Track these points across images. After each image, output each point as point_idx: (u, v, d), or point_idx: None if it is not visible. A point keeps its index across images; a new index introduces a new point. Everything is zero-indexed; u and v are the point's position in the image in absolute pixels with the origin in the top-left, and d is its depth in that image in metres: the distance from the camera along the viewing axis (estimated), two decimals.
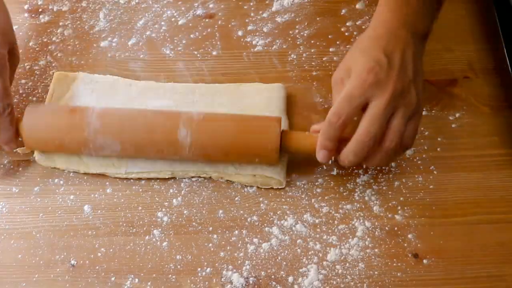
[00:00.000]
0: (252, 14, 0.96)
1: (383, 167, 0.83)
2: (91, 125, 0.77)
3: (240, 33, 0.94)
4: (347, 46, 0.92)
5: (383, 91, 0.72)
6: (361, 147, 0.73)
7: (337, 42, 0.93)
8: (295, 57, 0.92)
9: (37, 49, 0.91)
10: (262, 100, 0.86)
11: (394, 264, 0.77)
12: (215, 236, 0.78)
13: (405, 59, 0.75)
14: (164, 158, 0.80)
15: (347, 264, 0.76)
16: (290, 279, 0.75)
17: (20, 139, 0.80)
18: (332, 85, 0.78)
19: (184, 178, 0.82)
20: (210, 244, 0.78)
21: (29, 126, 0.79)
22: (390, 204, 0.81)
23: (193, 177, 0.82)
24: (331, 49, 0.93)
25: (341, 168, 0.83)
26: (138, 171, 0.81)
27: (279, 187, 0.81)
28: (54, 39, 0.92)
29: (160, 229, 0.78)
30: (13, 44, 0.81)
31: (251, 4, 0.97)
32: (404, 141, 0.74)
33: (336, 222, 0.79)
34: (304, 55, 0.92)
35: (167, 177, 0.81)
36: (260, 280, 0.75)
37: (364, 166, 0.81)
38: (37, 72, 0.89)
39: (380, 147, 0.74)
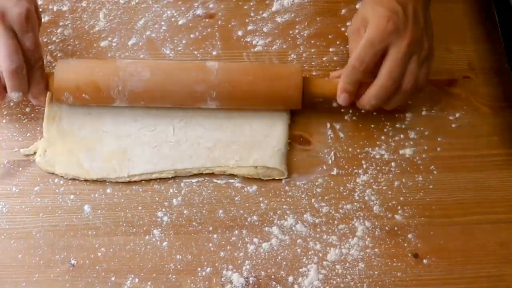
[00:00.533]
0: (252, 14, 0.96)
1: (383, 167, 0.83)
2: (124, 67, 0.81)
3: (240, 33, 0.94)
4: (347, 46, 0.92)
5: (401, 38, 0.78)
6: (384, 91, 0.79)
7: (337, 42, 0.93)
8: (295, 57, 0.92)
9: None
10: None
11: (394, 264, 0.77)
12: (215, 236, 0.78)
13: (416, 9, 0.80)
14: (191, 95, 0.82)
15: (347, 264, 0.76)
16: (290, 279, 0.75)
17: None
18: (348, 35, 0.86)
19: (184, 178, 0.82)
20: (210, 244, 0.78)
21: (61, 76, 0.81)
22: (390, 204, 0.81)
23: (195, 175, 0.82)
24: (331, 49, 0.93)
25: (342, 168, 0.83)
26: (141, 173, 0.81)
27: (281, 178, 0.81)
28: (54, 39, 0.92)
29: (160, 229, 0.78)
30: (35, 3, 0.83)
31: (251, 4, 0.97)
32: (419, 83, 0.80)
33: (336, 222, 0.79)
34: (304, 55, 0.92)
35: (169, 176, 0.81)
36: (260, 280, 0.75)
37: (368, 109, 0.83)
38: None
39: (398, 89, 0.79)
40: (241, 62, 0.89)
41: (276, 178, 0.82)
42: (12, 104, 0.86)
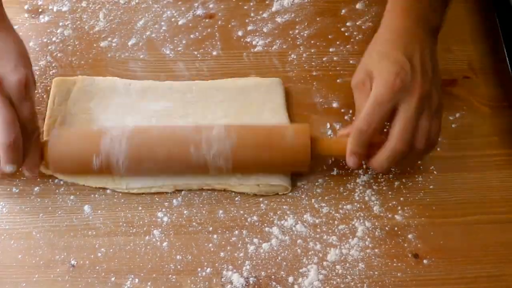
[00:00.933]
0: (252, 14, 0.96)
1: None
2: (121, 155, 0.75)
3: (240, 33, 0.94)
4: (347, 46, 0.92)
5: (410, 94, 0.73)
6: (396, 154, 0.74)
7: (337, 42, 0.93)
8: (295, 57, 0.92)
9: (37, 49, 0.91)
10: (260, 95, 0.86)
11: (394, 264, 0.77)
12: (215, 236, 0.78)
13: (424, 60, 0.76)
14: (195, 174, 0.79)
15: (347, 264, 0.76)
16: (290, 279, 0.75)
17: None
18: (353, 88, 0.79)
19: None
20: (210, 244, 0.78)
21: (55, 151, 0.76)
22: (390, 204, 0.81)
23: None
24: (331, 49, 0.93)
25: (342, 169, 0.83)
26: (140, 186, 0.80)
27: (285, 193, 0.81)
28: (54, 39, 0.92)
29: (160, 229, 0.78)
30: (31, 68, 0.79)
31: (251, 4, 0.97)
32: (431, 139, 0.75)
33: (336, 222, 0.79)
34: (304, 55, 0.92)
35: (169, 191, 0.81)
36: (260, 280, 0.75)
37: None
38: (37, 72, 0.89)
39: (411, 149, 0.74)
40: (243, 126, 0.79)
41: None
42: None
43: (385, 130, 0.76)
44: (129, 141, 0.76)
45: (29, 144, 0.75)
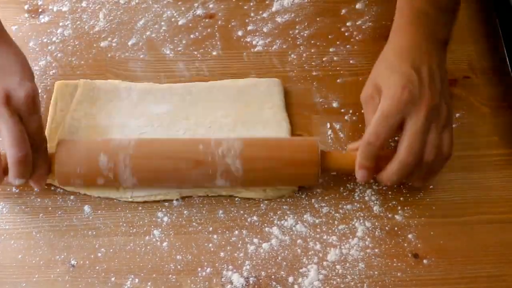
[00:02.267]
0: (252, 14, 0.96)
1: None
2: (126, 170, 0.76)
3: (240, 33, 0.94)
4: (347, 46, 0.92)
5: (418, 107, 0.73)
6: (405, 167, 0.74)
7: (337, 42, 0.93)
8: (295, 57, 0.92)
9: (37, 49, 0.91)
10: (260, 95, 0.86)
11: (394, 264, 0.77)
12: (215, 236, 0.78)
13: (432, 72, 0.76)
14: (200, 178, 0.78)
15: (347, 264, 0.76)
16: (290, 279, 0.75)
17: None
18: (362, 102, 0.79)
19: None
20: (210, 244, 0.78)
21: (62, 165, 0.76)
22: (390, 204, 0.81)
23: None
24: (331, 49, 0.93)
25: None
26: (144, 195, 0.80)
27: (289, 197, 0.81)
28: (54, 39, 0.92)
29: (160, 229, 0.78)
30: (34, 79, 0.79)
31: (251, 4, 0.97)
32: (443, 152, 0.75)
33: (336, 222, 0.79)
34: (304, 55, 0.92)
35: (174, 199, 0.80)
36: (260, 280, 0.75)
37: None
38: (37, 73, 0.89)
39: (420, 162, 0.74)
40: (253, 140, 0.79)
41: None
42: None
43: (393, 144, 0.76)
44: (135, 156, 0.76)
45: (37, 157, 0.75)
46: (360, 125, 0.86)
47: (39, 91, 0.86)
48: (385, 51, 0.80)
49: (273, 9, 0.96)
